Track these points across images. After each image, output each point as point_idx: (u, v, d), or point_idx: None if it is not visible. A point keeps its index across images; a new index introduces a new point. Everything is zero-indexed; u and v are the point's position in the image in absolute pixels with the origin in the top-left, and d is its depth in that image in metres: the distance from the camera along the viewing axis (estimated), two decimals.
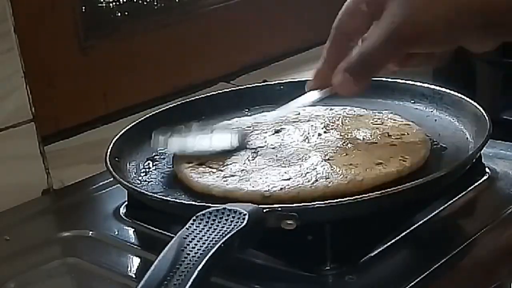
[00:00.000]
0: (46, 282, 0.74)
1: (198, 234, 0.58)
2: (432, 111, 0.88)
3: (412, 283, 0.66)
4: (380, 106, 0.88)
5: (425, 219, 0.74)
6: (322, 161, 0.74)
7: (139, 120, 0.88)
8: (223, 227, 0.58)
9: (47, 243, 0.78)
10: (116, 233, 0.78)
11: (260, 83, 1.06)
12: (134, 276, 0.72)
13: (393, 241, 0.71)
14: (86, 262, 0.75)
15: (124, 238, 0.78)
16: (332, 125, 0.83)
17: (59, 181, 0.91)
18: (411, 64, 0.72)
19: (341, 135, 0.80)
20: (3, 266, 0.75)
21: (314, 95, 0.77)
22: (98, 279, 0.73)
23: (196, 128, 0.81)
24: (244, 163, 0.76)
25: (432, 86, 0.89)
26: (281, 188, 0.71)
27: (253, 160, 0.77)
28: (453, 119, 0.85)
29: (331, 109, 0.87)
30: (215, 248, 0.56)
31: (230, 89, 0.99)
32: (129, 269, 0.75)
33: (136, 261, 0.75)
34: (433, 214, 0.75)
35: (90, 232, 0.79)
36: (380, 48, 0.67)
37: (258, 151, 0.79)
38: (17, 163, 0.87)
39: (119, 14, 1.12)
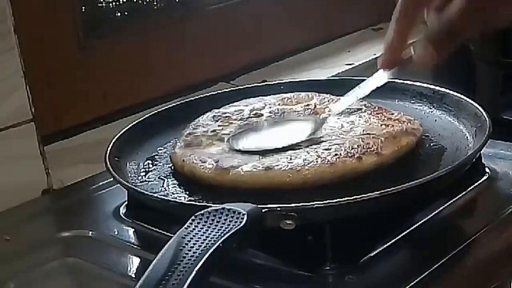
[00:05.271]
0: (46, 282, 0.74)
1: (197, 233, 0.58)
2: (432, 111, 0.88)
3: (412, 283, 0.65)
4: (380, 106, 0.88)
5: (425, 219, 0.74)
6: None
7: (139, 120, 0.88)
8: (222, 226, 0.58)
9: (47, 243, 0.78)
10: (116, 233, 0.78)
11: (260, 83, 1.06)
12: (133, 276, 0.72)
13: (393, 241, 0.71)
14: (86, 262, 0.75)
15: (124, 238, 0.78)
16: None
17: (59, 181, 0.91)
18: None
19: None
20: (3, 266, 0.75)
21: (383, 74, 0.76)
22: (98, 279, 0.73)
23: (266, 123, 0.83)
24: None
25: (432, 86, 0.90)
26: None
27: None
28: (453, 119, 0.85)
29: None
30: (213, 248, 0.56)
31: (230, 89, 0.99)
32: (129, 269, 0.75)
33: (135, 261, 0.75)
34: (433, 214, 0.75)
35: (90, 232, 0.79)
36: (464, 13, 0.66)
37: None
38: (17, 163, 0.87)
39: (119, 14, 1.12)
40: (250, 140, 0.81)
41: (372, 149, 0.74)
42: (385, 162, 0.74)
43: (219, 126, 0.85)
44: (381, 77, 0.77)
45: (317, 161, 0.73)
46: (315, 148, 0.76)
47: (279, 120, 0.85)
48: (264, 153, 0.77)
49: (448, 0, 0.68)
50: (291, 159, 0.74)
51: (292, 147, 0.77)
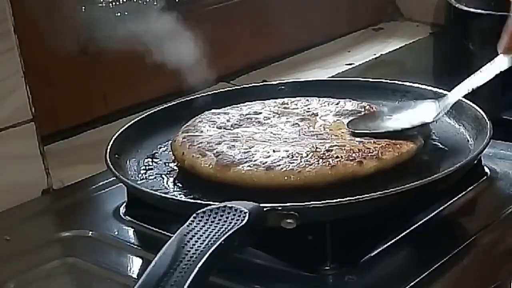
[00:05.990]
0: (46, 282, 0.74)
1: (199, 231, 0.58)
2: None
3: (412, 283, 0.66)
4: None
5: (425, 219, 0.75)
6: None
7: (139, 117, 0.88)
8: (223, 225, 0.58)
9: (47, 243, 0.78)
10: (116, 233, 0.78)
11: (260, 83, 1.06)
12: (133, 276, 0.72)
13: (393, 241, 0.71)
14: (86, 262, 0.75)
15: (124, 238, 0.77)
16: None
17: (59, 181, 0.91)
18: None
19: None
20: (3, 266, 0.74)
21: (504, 59, 0.76)
22: (98, 279, 0.73)
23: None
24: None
25: (433, 88, 0.89)
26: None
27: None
28: (453, 121, 0.85)
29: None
30: (215, 246, 0.56)
31: (230, 89, 0.99)
32: (129, 269, 0.75)
33: (136, 261, 0.75)
34: (433, 214, 0.75)
35: (90, 232, 0.79)
36: None
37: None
38: (17, 163, 0.87)
39: (119, 14, 1.12)
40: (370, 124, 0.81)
41: (373, 153, 0.74)
42: (385, 167, 0.74)
43: (218, 118, 0.85)
44: (502, 62, 0.76)
45: (318, 163, 0.73)
46: (317, 149, 0.75)
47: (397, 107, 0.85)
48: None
49: None
50: (292, 159, 0.74)
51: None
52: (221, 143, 0.78)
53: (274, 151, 0.76)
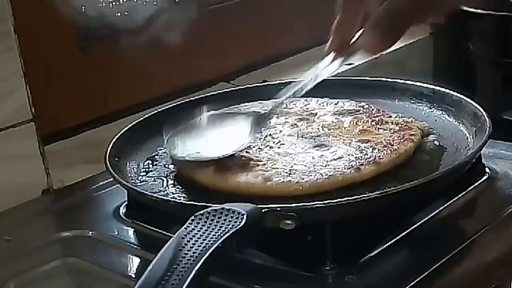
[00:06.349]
0: (46, 282, 0.74)
1: (197, 233, 0.58)
2: (432, 111, 0.88)
3: (412, 283, 0.65)
4: (380, 106, 0.88)
5: (425, 219, 0.74)
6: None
7: (139, 120, 0.88)
8: (221, 227, 0.58)
9: (47, 243, 0.78)
10: (116, 233, 0.78)
11: (260, 83, 1.06)
12: (133, 276, 0.72)
13: (393, 241, 0.71)
14: (86, 262, 0.75)
15: (124, 238, 0.77)
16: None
17: (59, 181, 0.91)
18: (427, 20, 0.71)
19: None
20: (3, 266, 0.74)
21: (332, 61, 0.74)
22: (98, 279, 0.73)
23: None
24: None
25: (432, 86, 0.89)
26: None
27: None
28: (453, 119, 0.85)
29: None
30: (213, 248, 0.56)
31: (230, 89, 0.99)
32: (128, 269, 0.75)
33: (135, 261, 0.75)
34: (433, 214, 0.75)
35: (90, 232, 0.79)
36: (409, 3, 0.66)
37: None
38: (17, 163, 0.87)
39: (119, 14, 1.12)
40: (188, 144, 0.78)
41: (370, 159, 0.74)
42: (383, 169, 0.74)
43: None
44: (332, 63, 0.74)
45: (315, 174, 0.72)
46: (313, 158, 0.75)
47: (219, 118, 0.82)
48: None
49: None
50: (290, 170, 0.73)
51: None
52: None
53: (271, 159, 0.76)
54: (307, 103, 0.89)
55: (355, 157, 0.75)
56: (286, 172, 0.73)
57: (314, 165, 0.74)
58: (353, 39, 0.72)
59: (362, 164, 0.73)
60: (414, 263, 0.70)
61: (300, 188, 0.71)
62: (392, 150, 0.76)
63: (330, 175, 0.72)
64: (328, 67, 0.75)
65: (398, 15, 0.67)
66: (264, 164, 0.75)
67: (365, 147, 0.76)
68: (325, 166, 0.73)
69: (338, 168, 0.73)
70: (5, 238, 0.79)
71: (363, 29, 0.70)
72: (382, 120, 0.82)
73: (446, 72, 1.21)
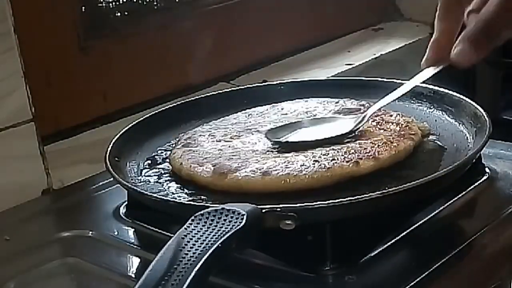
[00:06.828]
0: (46, 282, 0.74)
1: (196, 234, 0.58)
2: (432, 111, 0.88)
3: (412, 283, 0.65)
4: None
5: (425, 219, 0.74)
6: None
7: (139, 120, 0.88)
8: (221, 227, 0.58)
9: (47, 243, 0.78)
10: (116, 233, 0.78)
11: (260, 83, 1.06)
12: (133, 276, 0.72)
13: (393, 241, 0.71)
14: (86, 262, 0.75)
15: (124, 238, 0.77)
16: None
17: (59, 181, 0.91)
18: None
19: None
20: (3, 266, 0.74)
21: (429, 71, 0.77)
22: (98, 279, 0.73)
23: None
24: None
25: (432, 86, 0.89)
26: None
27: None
28: (453, 120, 0.85)
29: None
30: (213, 248, 0.56)
31: (230, 89, 0.99)
32: (128, 269, 0.75)
33: (135, 261, 0.75)
34: (433, 214, 0.75)
35: (90, 232, 0.79)
36: (499, 13, 0.67)
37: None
38: (17, 163, 0.87)
39: (119, 14, 1.12)
40: (289, 135, 0.81)
41: (370, 154, 0.74)
42: (382, 166, 0.74)
43: (217, 131, 0.85)
44: (424, 75, 0.77)
45: (314, 166, 0.73)
46: (313, 152, 0.76)
47: (318, 120, 0.85)
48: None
49: (485, 1, 0.69)
50: (288, 163, 0.74)
51: (330, 141, 0.78)
52: (221, 156, 0.78)
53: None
54: (307, 103, 0.89)
55: (354, 151, 0.75)
56: (285, 166, 0.73)
57: (313, 159, 0.74)
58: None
59: (361, 158, 0.73)
60: (414, 263, 0.70)
61: (299, 180, 0.71)
62: (392, 146, 0.76)
63: (328, 168, 0.72)
64: (420, 75, 0.78)
65: (488, 28, 0.69)
66: (263, 163, 0.75)
67: (365, 143, 0.77)
68: (324, 160, 0.73)
69: (337, 161, 0.73)
70: (5, 238, 0.79)
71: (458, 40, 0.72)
72: (382, 119, 0.82)
73: (446, 72, 1.21)
